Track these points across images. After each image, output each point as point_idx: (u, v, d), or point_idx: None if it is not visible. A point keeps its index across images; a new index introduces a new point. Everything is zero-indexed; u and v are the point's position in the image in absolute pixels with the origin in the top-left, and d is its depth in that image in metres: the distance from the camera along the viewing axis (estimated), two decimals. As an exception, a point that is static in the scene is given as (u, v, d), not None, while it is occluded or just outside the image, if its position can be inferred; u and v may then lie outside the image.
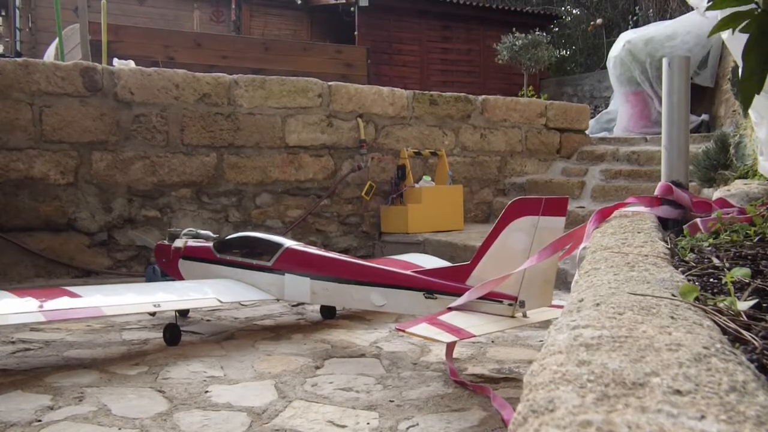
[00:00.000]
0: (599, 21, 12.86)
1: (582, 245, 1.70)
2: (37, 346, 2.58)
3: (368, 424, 1.72)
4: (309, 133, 5.13)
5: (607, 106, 9.07)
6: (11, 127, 4.18)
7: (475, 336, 2.02)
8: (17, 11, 10.60)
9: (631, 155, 6.01)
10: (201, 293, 2.69)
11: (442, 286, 2.29)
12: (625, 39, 7.61)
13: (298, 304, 3.38)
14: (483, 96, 6.16)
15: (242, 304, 3.38)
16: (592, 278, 1.16)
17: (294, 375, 2.16)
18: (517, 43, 9.12)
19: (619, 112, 7.61)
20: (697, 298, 0.98)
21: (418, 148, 5.53)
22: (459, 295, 2.13)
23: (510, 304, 2.09)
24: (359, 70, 10.32)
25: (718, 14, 2.04)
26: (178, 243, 3.11)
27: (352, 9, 11.38)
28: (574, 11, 15.49)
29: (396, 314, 2.99)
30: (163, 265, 3.21)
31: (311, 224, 5.19)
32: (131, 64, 5.47)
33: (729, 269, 1.20)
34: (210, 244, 3.06)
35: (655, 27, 7.64)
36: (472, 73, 12.28)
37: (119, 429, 1.70)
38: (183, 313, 3.05)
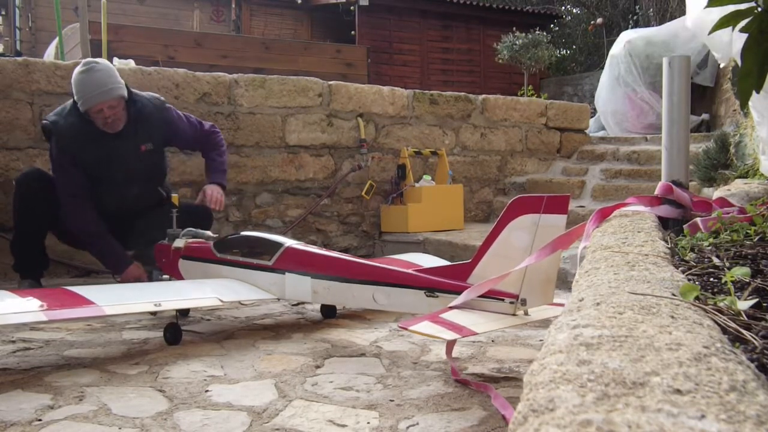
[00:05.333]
0: (599, 20, 12.85)
1: (582, 245, 1.70)
2: (37, 346, 2.58)
3: (368, 423, 1.72)
4: (309, 132, 5.13)
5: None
6: (11, 127, 4.18)
7: (477, 333, 2.02)
8: (17, 11, 10.60)
9: (632, 155, 6.01)
10: (202, 292, 2.69)
11: (443, 284, 2.29)
12: (626, 39, 7.61)
13: (299, 304, 3.38)
14: (483, 95, 6.16)
15: (242, 304, 3.38)
16: (592, 278, 1.16)
17: (294, 374, 2.17)
18: (517, 42, 9.11)
19: (619, 112, 7.61)
20: (697, 298, 0.98)
21: (418, 147, 5.54)
22: (460, 293, 2.13)
23: (511, 302, 2.08)
24: (359, 70, 10.33)
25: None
26: (178, 243, 3.11)
27: (352, 8, 11.37)
28: (574, 10, 15.49)
29: (396, 313, 2.99)
30: (163, 266, 3.21)
31: (311, 223, 5.19)
32: (131, 63, 5.46)
33: (729, 269, 1.20)
34: (210, 243, 3.06)
35: (656, 27, 7.65)
36: (473, 72, 12.29)
37: (119, 428, 1.70)
38: (183, 313, 3.05)
